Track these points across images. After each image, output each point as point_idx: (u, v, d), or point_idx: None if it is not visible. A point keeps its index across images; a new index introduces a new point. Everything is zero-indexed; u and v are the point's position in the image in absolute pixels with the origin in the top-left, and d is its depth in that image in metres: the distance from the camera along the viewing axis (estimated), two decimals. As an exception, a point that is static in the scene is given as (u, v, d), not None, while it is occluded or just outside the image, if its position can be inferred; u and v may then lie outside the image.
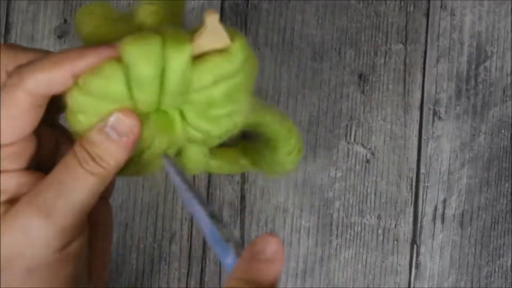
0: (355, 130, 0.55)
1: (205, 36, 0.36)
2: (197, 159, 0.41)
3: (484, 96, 0.55)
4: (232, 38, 0.37)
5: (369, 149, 0.55)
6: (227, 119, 0.38)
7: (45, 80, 0.35)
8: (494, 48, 0.56)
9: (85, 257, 0.38)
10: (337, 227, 0.55)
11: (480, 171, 0.55)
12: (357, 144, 0.55)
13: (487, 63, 0.56)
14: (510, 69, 0.55)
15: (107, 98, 0.36)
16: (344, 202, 0.55)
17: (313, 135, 0.55)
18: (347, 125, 0.55)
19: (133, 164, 0.40)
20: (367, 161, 0.55)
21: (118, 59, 0.36)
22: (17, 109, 0.36)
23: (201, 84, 0.37)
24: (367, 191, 0.55)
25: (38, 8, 0.55)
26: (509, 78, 0.55)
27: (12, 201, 0.36)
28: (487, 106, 0.55)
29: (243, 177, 0.55)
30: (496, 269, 0.55)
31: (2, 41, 0.55)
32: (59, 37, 0.55)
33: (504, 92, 0.56)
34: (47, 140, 0.40)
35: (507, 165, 0.55)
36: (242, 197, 0.55)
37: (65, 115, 0.38)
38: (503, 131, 0.55)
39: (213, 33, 0.36)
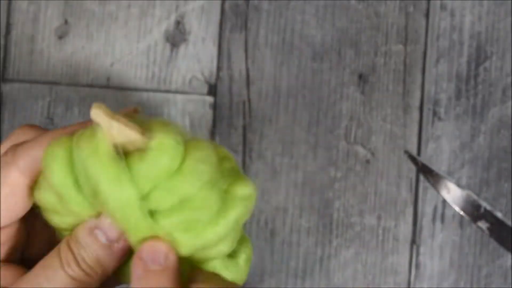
0: (355, 130, 0.55)
1: (107, 133, 0.30)
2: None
3: (484, 96, 0.55)
4: (152, 132, 0.31)
5: (369, 149, 0.55)
6: (192, 229, 0.32)
7: (37, 158, 0.33)
8: (494, 48, 0.56)
9: None
10: (337, 227, 0.55)
11: (479, 171, 0.55)
12: (357, 144, 0.55)
13: (487, 64, 0.56)
14: (510, 70, 0.55)
15: (52, 210, 0.33)
16: (344, 202, 0.55)
17: (313, 135, 0.55)
18: (347, 125, 0.55)
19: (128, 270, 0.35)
20: (367, 161, 0.55)
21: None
22: (9, 188, 0.34)
23: (138, 189, 0.31)
24: (367, 191, 0.55)
25: (38, 9, 0.55)
26: (509, 78, 0.55)
27: None
28: (487, 106, 0.55)
29: (243, 177, 0.55)
30: (496, 269, 0.55)
31: (2, 42, 0.55)
32: (60, 37, 0.55)
33: (504, 92, 0.56)
34: (41, 233, 0.37)
35: (507, 165, 0.55)
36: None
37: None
38: (503, 131, 0.55)
39: (113, 130, 0.30)
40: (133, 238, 0.33)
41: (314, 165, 0.55)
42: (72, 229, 0.34)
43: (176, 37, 0.55)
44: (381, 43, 0.56)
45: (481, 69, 0.56)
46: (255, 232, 0.55)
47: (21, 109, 0.55)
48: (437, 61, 0.56)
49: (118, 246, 0.33)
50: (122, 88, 0.55)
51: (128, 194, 0.30)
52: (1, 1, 0.55)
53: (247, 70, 0.55)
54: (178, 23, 0.55)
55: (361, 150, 0.55)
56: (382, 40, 0.56)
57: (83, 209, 0.32)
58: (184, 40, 0.55)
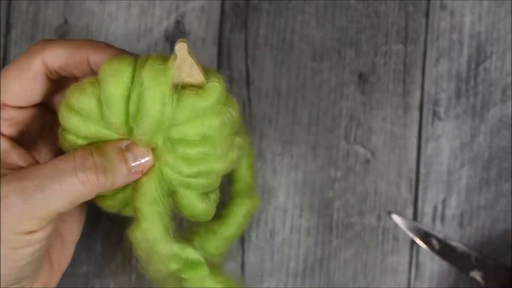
0: (355, 130, 0.55)
1: (180, 67, 0.36)
2: (188, 203, 0.41)
3: (484, 96, 0.55)
4: (208, 76, 0.36)
5: (369, 149, 0.55)
6: (201, 160, 0.38)
7: (62, 56, 0.38)
8: (494, 48, 0.56)
9: (47, 245, 0.39)
10: (337, 227, 0.55)
11: (479, 171, 0.55)
12: (357, 144, 0.55)
13: (487, 63, 0.56)
14: (510, 69, 0.55)
15: (83, 115, 0.37)
16: (344, 202, 0.55)
17: (313, 135, 0.55)
18: (347, 125, 0.55)
19: (116, 199, 0.40)
20: (367, 161, 0.55)
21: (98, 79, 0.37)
22: (30, 74, 0.38)
23: (175, 118, 0.37)
24: (367, 191, 0.55)
25: (38, 8, 0.55)
26: (509, 78, 0.55)
27: None
28: (487, 106, 0.55)
29: (243, 177, 0.55)
30: (496, 269, 0.55)
31: (2, 41, 0.55)
32: (60, 37, 0.55)
33: (504, 92, 0.55)
34: (37, 116, 0.41)
35: (507, 165, 0.55)
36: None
37: (58, 134, 0.39)
38: (502, 131, 0.55)
39: (187, 65, 0.36)
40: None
41: (314, 165, 0.55)
42: (88, 142, 0.38)
43: (176, 36, 0.55)
44: (381, 43, 0.56)
45: (481, 69, 0.56)
46: (255, 232, 0.55)
47: (21, 109, 0.55)
48: (437, 61, 0.56)
49: (138, 169, 0.37)
50: (122, 88, 0.55)
51: (165, 116, 0.35)
52: (1, 1, 0.55)
53: (247, 70, 0.55)
54: (178, 23, 0.55)
55: (361, 150, 0.55)
56: (382, 40, 0.56)
57: (119, 124, 0.36)
58: (184, 40, 0.55)
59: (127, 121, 0.37)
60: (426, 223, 0.55)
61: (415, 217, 0.55)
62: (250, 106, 0.55)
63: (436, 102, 0.55)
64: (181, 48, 0.35)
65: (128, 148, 0.37)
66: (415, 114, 0.55)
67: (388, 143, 0.55)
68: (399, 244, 0.55)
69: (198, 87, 0.36)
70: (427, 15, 0.56)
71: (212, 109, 0.37)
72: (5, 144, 0.39)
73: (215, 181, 0.40)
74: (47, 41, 0.39)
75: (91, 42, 0.39)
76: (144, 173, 0.38)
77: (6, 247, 0.36)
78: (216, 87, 0.36)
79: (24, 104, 0.39)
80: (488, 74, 0.55)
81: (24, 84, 0.38)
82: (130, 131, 0.37)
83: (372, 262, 0.55)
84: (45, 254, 0.40)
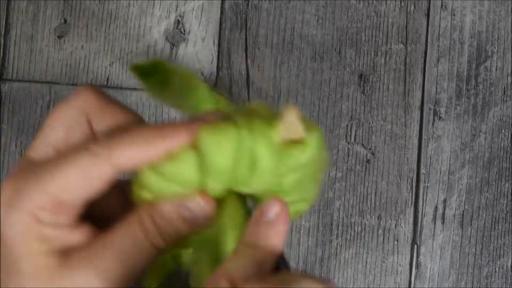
0: (355, 130, 0.55)
1: (283, 128, 0.36)
2: None
3: (485, 96, 0.55)
4: (308, 130, 0.37)
5: (369, 149, 0.55)
6: (293, 205, 0.39)
7: (133, 158, 0.35)
8: (495, 48, 0.56)
9: None
10: (337, 227, 0.55)
11: (480, 171, 0.55)
12: (357, 144, 0.55)
13: (488, 63, 0.56)
14: (510, 69, 0.55)
15: (178, 182, 0.37)
16: (344, 202, 0.55)
17: (313, 135, 0.55)
18: (347, 125, 0.55)
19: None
20: (367, 161, 0.55)
21: (195, 146, 0.36)
22: (96, 178, 0.35)
23: (278, 175, 0.37)
24: (367, 191, 0.55)
25: (38, 8, 0.55)
26: (509, 78, 0.55)
27: (63, 254, 0.36)
28: (488, 106, 0.55)
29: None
30: (497, 269, 0.55)
31: (2, 41, 0.55)
32: (59, 37, 0.55)
33: (504, 92, 0.56)
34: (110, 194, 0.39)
35: (507, 165, 0.55)
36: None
37: (132, 185, 0.38)
38: (503, 131, 0.55)
39: (291, 125, 0.36)
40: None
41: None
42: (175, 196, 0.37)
43: (176, 36, 0.55)
44: (382, 42, 0.56)
45: (481, 68, 0.56)
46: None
47: (20, 108, 0.55)
48: (438, 60, 0.56)
49: (200, 224, 0.37)
50: (122, 88, 0.55)
51: (278, 174, 0.36)
52: (1, 1, 0.55)
53: (247, 70, 0.55)
54: (178, 22, 0.55)
55: (361, 150, 0.55)
56: (382, 40, 0.56)
57: (217, 190, 0.37)
58: (184, 39, 0.55)
59: (229, 187, 0.37)
60: (427, 223, 0.55)
61: (415, 217, 0.55)
62: (250, 106, 0.55)
63: (436, 102, 0.55)
64: (292, 114, 0.36)
65: (186, 205, 0.37)
66: (416, 114, 0.55)
67: (389, 143, 0.55)
68: (400, 244, 0.55)
69: (299, 141, 0.36)
70: (427, 14, 0.56)
71: (310, 161, 0.37)
72: (66, 234, 0.36)
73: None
74: (113, 142, 0.35)
75: (159, 131, 0.36)
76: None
77: None
78: (317, 140, 0.37)
79: (83, 202, 0.36)
80: (489, 74, 0.55)
81: (87, 185, 0.36)
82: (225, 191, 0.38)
83: (372, 262, 0.55)
84: None
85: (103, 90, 0.38)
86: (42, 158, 0.36)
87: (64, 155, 0.36)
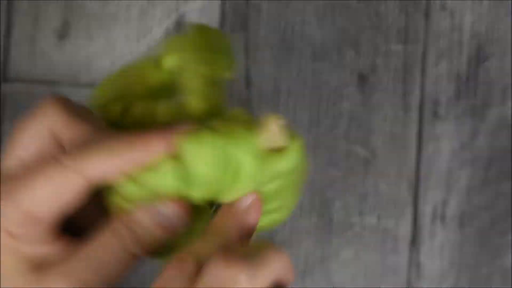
0: (355, 130, 0.55)
1: (265, 136, 0.36)
2: None
3: (484, 96, 0.55)
4: (290, 139, 0.36)
5: (369, 149, 0.55)
6: (273, 213, 0.39)
7: (104, 169, 0.35)
8: (494, 48, 0.56)
9: None
10: (337, 227, 0.55)
11: (479, 171, 0.55)
12: (357, 144, 0.55)
13: (487, 63, 0.56)
14: (509, 69, 0.55)
15: (158, 191, 0.36)
16: (344, 202, 0.55)
17: (313, 135, 0.55)
18: (347, 125, 0.55)
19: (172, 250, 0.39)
20: (367, 161, 0.55)
21: (174, 155, 0.35)
22: (68, 191, 0.35)
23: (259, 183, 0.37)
24: (366, 191, 0.55)
25: (38, 9, 0.55)
26: (508, 78, 0.55)
27: (39, 269, 0.36)
28: (487, 106, 0.55)
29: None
30: (496, 269, 0.55)
31: (3, 42, 0.55)
32: (60, 37, 0.55)
33: (503, 92, 0.55)
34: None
35: (507, 165, 0.55)
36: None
37: (106, 195, 0.37)
38: (502, 131, 0.55)
39: (273, 133, 0.36)
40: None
41: (314, 165, 0.55)
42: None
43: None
44: (381, 43, 0.56)
45: (481, 69, 0.56)
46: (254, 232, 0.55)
47: (21, 109, 0.55)
48: (437, 61, 0.56)
49: (175, 229, 0.37)
50: (122, 88, 0.55)
51: (259, 182, 0.36)
52: (2, 1, 0.55)
53: (247, 70, 0.55)
54: (178, 23, 0.55)
55: (361, 150, 0.55)
56: (382, 40, 0.56)
57: (197, 198, 0.37)
58: (184, 40, 0.56)
59: (210, 196, 0.37)
60: (425, 223, 0.55)
61: (415, 217, 0.55)
62: (250, 106, 0.55)
63: (436, 102, 0.55)
64: (275, 123, 0.36)
65: (159, 211, 0.37)
66: (415, 114, 0.55)
67: (388, 143, 0.55)
68: (399, 244, 0.55)
69: (281, 149, 0.36)
70: (427, 15, 0.56)
71: (292, 170, 0.37)
72: (41, 248, 0.36)
73: None
74: (79, 154, 0.35)
75: (130, 141, 0.35)
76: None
77: None
78: (299, 148, 0.37)
79: (56, 217, 0.36)
80: (488, 74, 0.55)
81: (57, 200, 0.35)
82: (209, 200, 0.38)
83: (372, 262, 0.55)
84: None
85: (68, 99, 0.37)
86: (12, 172, 0.36)
87: (35, 168, 0.35)
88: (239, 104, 0.55)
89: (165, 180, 0.36)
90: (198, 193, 0.36)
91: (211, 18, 0.55)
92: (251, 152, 0.35)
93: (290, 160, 0.36)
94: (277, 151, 0.36)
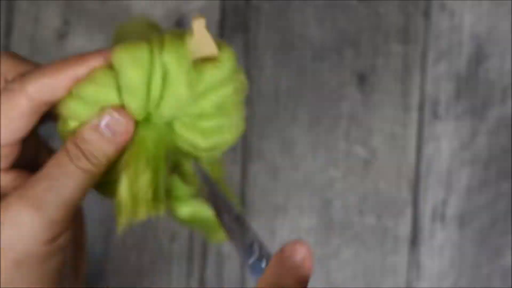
0: (355, 130, 0.55)
1: (194, 43, 0.36)
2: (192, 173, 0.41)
3: (484, 96, 0.56)
4: (220, 47, 0.37)
5: (369, 149, 0.55)
6: (217, 132, 0.39)
7: (47, 86, 0.37)
8: (494, 48, 0.56)
9: (70, 252, 0.40)
10: (337, 227, 0.55)
11: (479, 171, 0.55)
12: (356, 144, 0.55)
13: (487, 63, 0.56)
14: (509, 69, 0.55)
15: (99, 104, 0.37)
16: (344, 202, 0.55)
17: (313, 135, 0.55)
18: (347, 126, 0.55)
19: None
20: (367, 161, 0.55)
21: (110, 66, 0.36)
22: (16, 113, 0.37)
23: (195, 94, 0.37)
24: (366, 191, 0.55)
25: (39, 9, 0.55)
26: (508, 78, 0.56)
27: (1, 198, 0.37)
28: (487, 106, 0.55)
29: (243, 177, 0.55)
30: (496, 269, 0.55)
31: (3, 42, 0.55)
32: (60, 37, 0.56)
33: (503, 92, 0.56)
34: (29, 143, 0.41)
35: (507, 165, 0.55)
36: (242, 197, 0.55)
37: (58, 122, 0.39)
38: (502, 131, 0.55)
39: (201, 39, 0.37)
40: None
41: (314, 165, 0.55)
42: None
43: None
44: (381, 43, 0.56)
45: (480, 69, 0.56)
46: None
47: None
48: (437, 61, 0.56)
49: (122, 138, 0.38)
50: (122, 88, 0.55)
51: (190, 95, 0.37)
52: (2, 2, 0.55)
53: (247, 70, 0.55)
54: (178, 23, 0.56)
55: (361, 150, 0.55)
56: (381, 40, 0.56)
57: (138, 110, 0.37)
58: (184, 40, 0.56)
59: (146, 106, 0.37)
60: (424, 223, 0.55)
61: (415, 217, 0.55)
62: (250, 106, 0.55)
63: (435, 102, 0.55)
64: (199, 24, 0.36)
65: (102, 122, 0.37)
66: (415, 114, 0.55)
67: (388, 143, 0.55)
68: (399, 244, 0.55)
69: (212, 59, 0.37)
70: (426, 15, 0.56)
71: (228, 79, 0.38)
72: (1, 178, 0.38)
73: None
74: (25, 75, 0.37)
75: (67, 61, 0.38)
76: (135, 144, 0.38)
77: (34, 262, 0.37)
78: (230, 56, 0.37)
79: (12, 141, 0.38)
80: (488, 74, 0.56)
81: (10, 124, 0.38)
82: (147, 113, 0.38)
83: (372, 262, 0.55)
84: (72, 262, 0.41)
85: (20, 55, 0.39)
86: None
87: None
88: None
89: (103, 89, 0.37)
90: (135, 103, 0.37)
91: (211, 18, 0.55)
92: (180, 59, 0.36)
93: (223, 68, 0.37)
94: (209, 60, 0.37)
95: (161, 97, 0.37)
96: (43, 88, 0.37)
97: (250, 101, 0.55)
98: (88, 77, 0.37)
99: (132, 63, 0.36)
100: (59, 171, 0.37)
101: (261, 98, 0.55)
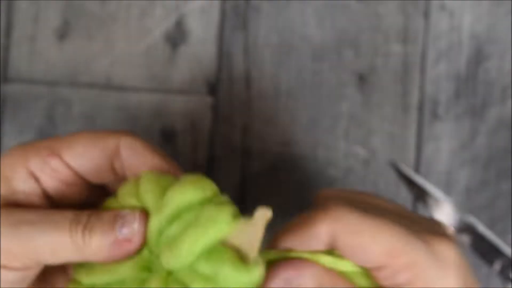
0: (355, 131, 0.55)
1: (241, 230, 0.32)
2: None
3: (484, 96, 0.55)
4: (258, 256, 0.32)
5: (369, 149, 0.55)
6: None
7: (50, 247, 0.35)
8: (493, 48, 0.56)
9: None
10: (337, 227, 0.55)
11: (479, 171, 0.55)
12: (356, 144, 0.55)
13: (487, 63, 0.56)
14: (509, 69, 0.55)
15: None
16: (343, 202, 0.55)
17: (312, 135, 0.55)
18: (346, 126, 0.55)
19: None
20: (367, 161, 0.55)
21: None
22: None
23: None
24: (366, 191, 0.55)
25: (39, 9, 0.55)
26: (508, 78, 0.55)
27: None
28: (486, 106, 0.55)
29: (243, 177, 0.55)
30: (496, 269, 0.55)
31: (3, 42, 0.55)
32: (60, 37, 0.55)
33: (503, 92, 0.56)
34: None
35: (507, 165, 0.55)
36: (242, 197, 0.55)
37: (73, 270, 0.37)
38: (502, 131, 0.55)
39: (251, 232, 0.32)
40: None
41: (314, 165, 0.55)
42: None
43: (176, 37, 0.56)
44: (381, 43, 0.56)
45: (480, 69, 0.56)
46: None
47: (21, 109, 0.55)
48: (437, 61, 0.56)
49: (124, 248, 0.35)
50: (122, 88, 0.55)
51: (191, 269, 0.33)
52: (2, 1, 0.55)
53: (247, 70, 0.55)
54: (178, 23, 0.55)
55: (360, 150, 0.55)
56: (381, 40, 0.56)
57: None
58: (184, 40, 0.56)
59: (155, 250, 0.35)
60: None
61: (414, 217, 0.55)
62: (250, 106, 0.55)
63: (435, 102, 0.55)
64: (262, 217, 0.32)
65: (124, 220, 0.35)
66: (415, 114, 0.55)
67: (388, 144, 0.55)
68: (399, 244, 0.55)
69: (244, 258, 0.32)
70: (426, 15, 0.56)
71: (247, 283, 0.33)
72: (36, 189, 0.37)
73: None
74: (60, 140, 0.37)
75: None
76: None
77: None
78: (259, 273, 0.32)
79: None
80: (488, 74, 0.55)
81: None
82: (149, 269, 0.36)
83: (371, 262, 0.55)
84: None
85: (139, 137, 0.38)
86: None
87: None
88: (239, 104, 0.55)
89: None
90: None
91: (211, 18, 0.55)
92: (214, 232, 0.32)
93: (246, 277, 0.32)
94: (241, 255, 0.32)
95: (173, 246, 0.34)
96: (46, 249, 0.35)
97: (250, 101, 0.55)
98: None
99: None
100: (49, 220, 0.35)
101: (261, 98, 0.55)
